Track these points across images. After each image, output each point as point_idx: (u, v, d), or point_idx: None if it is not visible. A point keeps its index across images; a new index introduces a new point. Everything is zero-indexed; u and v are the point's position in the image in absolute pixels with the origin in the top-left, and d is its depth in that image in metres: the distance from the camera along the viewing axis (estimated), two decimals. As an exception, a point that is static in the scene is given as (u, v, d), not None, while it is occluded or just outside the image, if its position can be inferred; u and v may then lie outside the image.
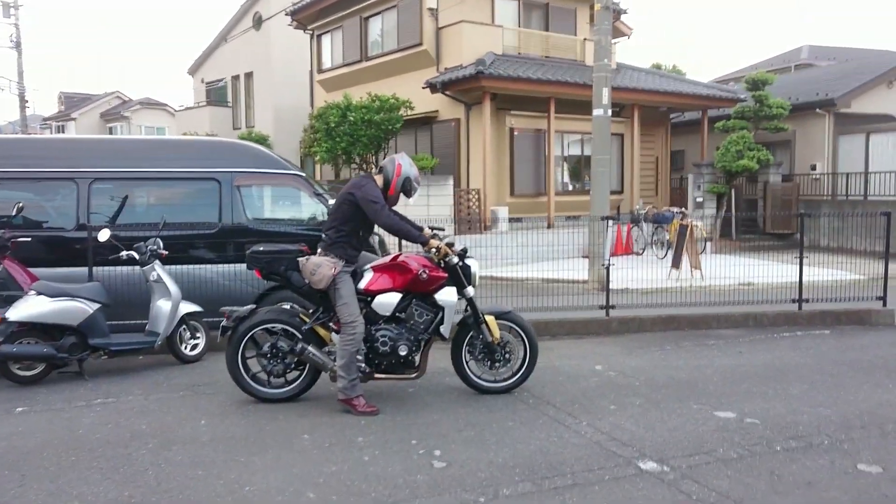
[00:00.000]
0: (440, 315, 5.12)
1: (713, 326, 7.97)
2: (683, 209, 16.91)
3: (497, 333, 5.29)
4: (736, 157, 17.08)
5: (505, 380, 5.42)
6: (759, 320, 8.10)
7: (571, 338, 7.55)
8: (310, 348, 5.10)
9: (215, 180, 7.26)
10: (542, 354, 5.66)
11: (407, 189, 5.11)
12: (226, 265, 7.16)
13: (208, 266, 7.18)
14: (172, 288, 6.38)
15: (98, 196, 7.08)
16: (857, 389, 5.53)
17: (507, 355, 5.37)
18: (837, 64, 24.02)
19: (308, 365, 5.20)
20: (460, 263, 5.16)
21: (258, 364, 5.24)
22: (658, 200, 19.05)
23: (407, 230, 5.02)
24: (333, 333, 5.13)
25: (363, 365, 5.07)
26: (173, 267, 6.82)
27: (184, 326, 6.58)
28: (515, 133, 16.11)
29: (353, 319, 4.90)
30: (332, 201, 7.60)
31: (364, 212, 4.93)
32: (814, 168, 18.86)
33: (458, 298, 5.18)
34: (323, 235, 5.20)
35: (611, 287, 10.40)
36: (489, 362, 5.36)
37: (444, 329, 5.16)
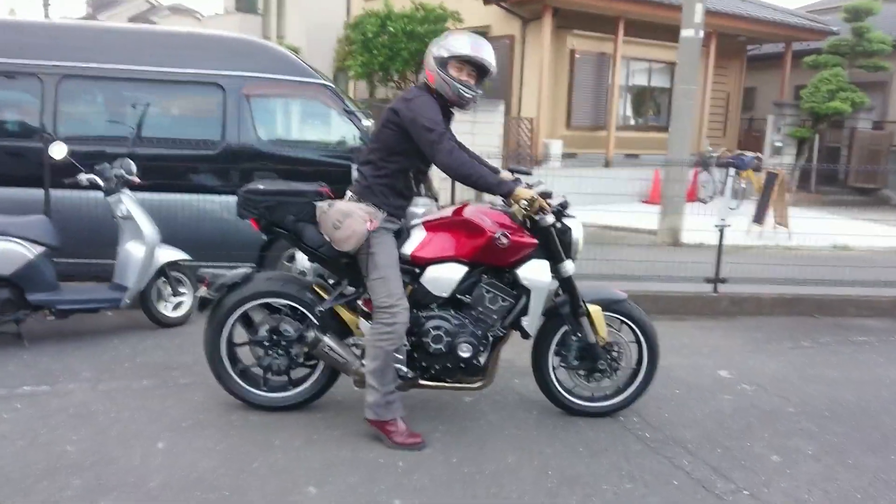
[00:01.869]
0: (523, 301, 3.44)
1: (850, 314, 6.17)
2: (759, 154, 14.91)
3: (604, 331, 3.61)
4: (827, 97, 14.88)
5: (607, 397, 3.78)
6: (910, 309, 6.30)
7: (668, 318, 5.80)
8: (326, 339, 3.45)
9: (218, 86, 5.61)
10: None
11: (463, 92, 3.27)
12: (228, 197, 5.55)
13: (205, 197, 5.57)
14: (146, 227, 4.73)
15: (68, 99, 5.47)
16: None
17: (613, 364, 3.70)
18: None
19: (321, 366, 3.61)
20: (557, 225, 3.45)
21: (252, 355, 3.64)
22: (725, 142, 16.95)
23: (480, 174, 3.24)
24: (362, 319, 3.47)
25: (404, 369, 3.42)
26: (157, 196, 5.22)
27: (163, 279, 4.96)
28: (577, 56, 14.03)
29: (394, 302, 3.24)
30: (366, 122, 5.93)
31: (412, 139, 3.25)
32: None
33: (552, 277, 3.47)
34: (354, 173, 3.55)
35: (685, 241, 8.78)
36: (585, 372, 3.71)
37: (529, 322, 3.47)
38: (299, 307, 3.50)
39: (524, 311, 3.45)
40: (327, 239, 3.30)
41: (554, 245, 3.46)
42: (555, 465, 3.18)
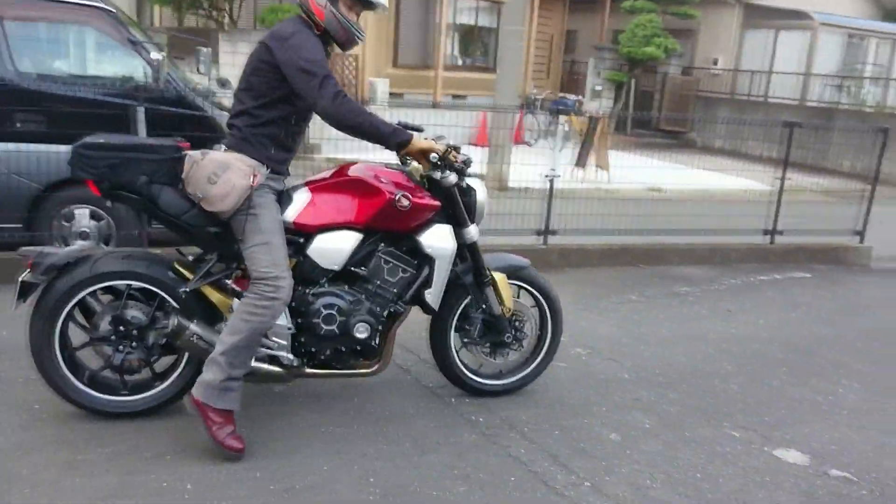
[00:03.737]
0: (425, 271, 3.05)
1: (674, 262, 6.23)
2: (580, 97, 15.19)
3: (510, 301, 3.31)
4: (643, 42, 15.37)
5: (512, 373, 3.47)
6: (727, 256, 6.46)
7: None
8: (192, 326, 2.81)
9: (-42, 4, 4.47)
10: None
11: (356, 34, 2.86)
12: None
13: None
14: None
15: None
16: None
17: (519, 335, 3.39)
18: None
19: (187, 354, 2.94)
20: (462, 184, 3.08)
21: (98, 354, 2.93)
22: (549, 84, 17.13)
23: (372, 122, 2.75)
24: (236, 300, 2.86)
25: (289, 356, 2.91)
26: None
27: None
28: (401, -10, 13.35)
29: (279, 273, 2.70)
30: (156, 55, 5.02)
31: (290, 84, 2.72)
32: (715, 62, 17.58)
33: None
34: (226, 124, 2.94)
35: (510, 186, 8.64)
36: (490, 346, 3.38)
37: (433, 295, 3.07)
38: (156, 289, 2.85)
39: (428, 283, 3.05)
40: (197, 198, 2.68)
41: (458, 208, 3.07)
42: (378, 472, 2.73)
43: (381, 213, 2.91)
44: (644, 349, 4.23)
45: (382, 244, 3.01)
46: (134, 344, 2.88)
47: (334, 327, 2.91)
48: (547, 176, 5.85)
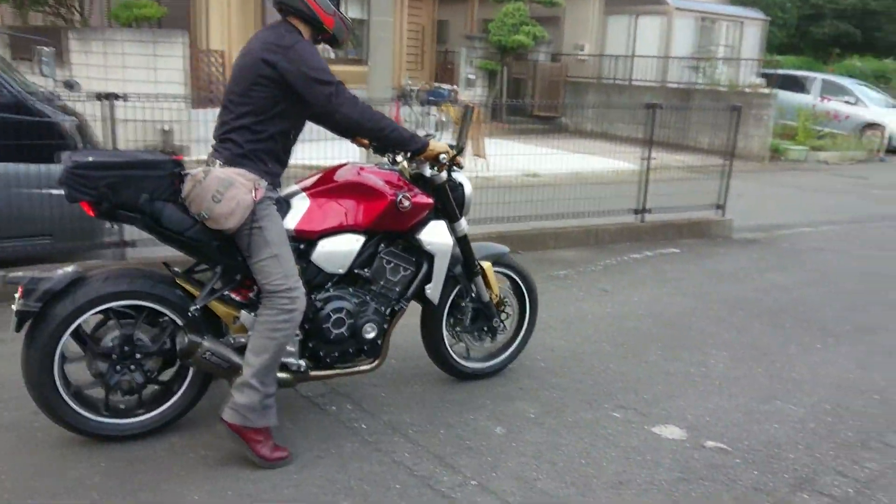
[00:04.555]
0: (424, 268, 3.17)
1: (550, 245, 6.33)
2: (455, 86, 15.27)
3: (496, 288, 3.53)
4: (511, 30, 15.61)
5: (493, 355, 3.68)
6: (600, 237, 6.64)
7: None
8: (205, 343, 2.74)
9: None
10: None
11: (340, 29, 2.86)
12: None
13: None
14: None
15: None
16: (784, 351, 4.22)
17: (505, 319, 3.62)
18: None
19: (191, 371, 2.87)
20: (452, 181, 3.22)
21: (90, 372, 2.81)
22: (423, 75, 17.12)
23: (393, 126, 2.85)
24: (243, 311, 2.85)
25: (298, 362, 2.93)
26: None
27: None
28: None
29: (292, 284, 2.71)
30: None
31: (301, 96, 2.70)
32: (581, 49, 18.12)
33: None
34: (215, 139, 2.80)
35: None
36: (477, 332, 3.56)
37: (433, 290, 3.21)
38: (161, 308, 2.77)
39: (429, 278, 3.18)
40: (202, 217, 2.62)
41: (450, 203, 3.19)
42: (255, 495, 2.56)
43: (384, 214, 2.98)
44: (526, 336, 4.24)
45: (382, 245, 3.08)
46: (132, 366, 2.79)
47: (343, 330, 2.96)
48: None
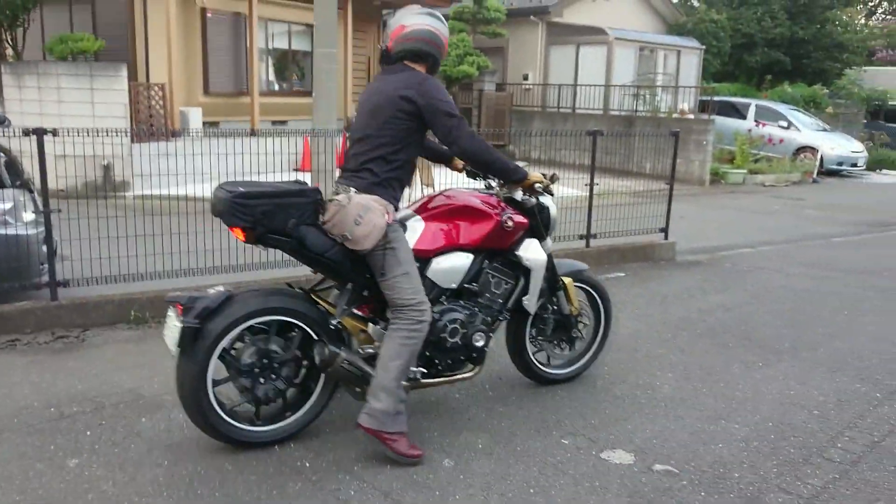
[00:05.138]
0: (521, 282, 3.53)
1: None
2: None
3: (576, 302, 3.88)
4: (456, 61, 15.82)
5: (572, 362, 4.03)
6: (547, 263, 6.67)
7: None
8: (343, 353, 3.05)
9: None
10: None
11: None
12: None
13: None
14: None
15: None
16: (728, 370, 4.29)
17: (584, 329, 4.00)
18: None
19: (323, 379, 3.18)
20: (540, 204, 3.55)
21: (236, 387, 3.09)
22: (371, 106, 17.18)
23: (501, 158, 3.22)
24: (371, 324, 3.21)
25: (414, 369, 3.19)
26: None
27: None
28: (209, 15, 12.82)
29: (421, 298, 3.04)
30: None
31: (429, 126, 3.06)
32: (526, 78, 18.45)
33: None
34: (348, 169, 3.13)
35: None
36: (556, 341, 3.93)
37: (530, 301, 3.57)
38: (299, 322, 3.05)
39: (526, 291, 3.53)
40: (344, 238, 2.93)
41: (538, 224, 3.53)
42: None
43: (490, 234, 3.35)
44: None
45: (486, 261, 3.41)
46: (273, 376, 3.05)
47: (458, 339, 3.27)
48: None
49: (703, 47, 20.29)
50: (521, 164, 3.40)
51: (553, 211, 3.61)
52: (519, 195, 3.46)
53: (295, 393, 3.20)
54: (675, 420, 3.59)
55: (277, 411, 3.16)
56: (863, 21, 34.16)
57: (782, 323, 5.27)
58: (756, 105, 18.18)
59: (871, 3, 39.64)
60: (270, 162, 10.16)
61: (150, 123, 11.42)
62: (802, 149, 16.77)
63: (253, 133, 12.84)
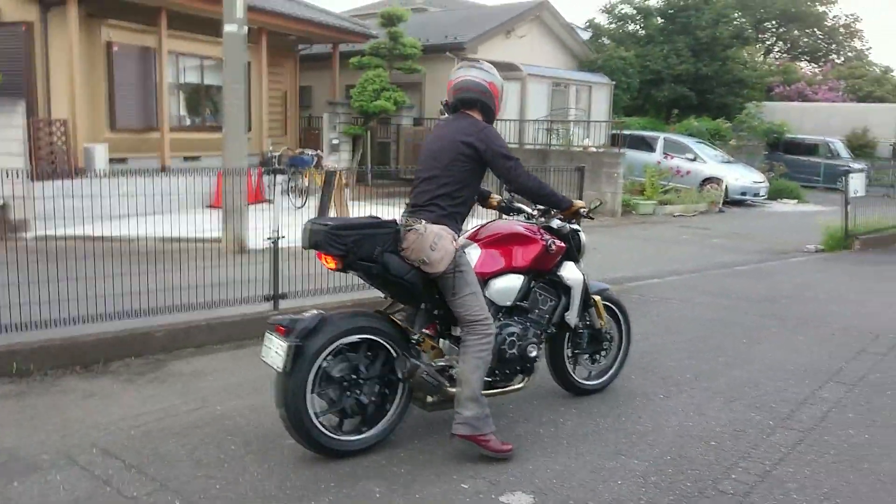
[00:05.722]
0: (563, 299, 4.06)
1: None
2: (319, 152, 15.23)
3: (604, 318, 4.34)
4: (373, 96, 15.85)
5: (602, 373, 4.51)
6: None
7: (228, 347, 5.21)
8: (423, 365, 3.49)
9: None
10: (186, 390, 4.36)
11: None
12: None
13: None
14: None
15: None
16: (630, 403, 4.32)
17: (610, 343, 4.49)
18: (455, 10, 24.35)
19: (402, 391, 3.59)
20: (573, 230, 4.09)
21: (323, 399, 3.42)
22: (287, 140, 17.01)
23: (552, 191, 3.81)
24: (442, 339, 3.71)
25: None
26: None
27: None
28: (115, 49, 12.48)
29: (487, 314, 3.53)
30: None
31: (489, 168, 3.58)
32: (443, 113, 18.60)
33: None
34: (416, 204, 3.56)
35: (251, 247, 8.36)
36: (590, 354, 4.42)
37: (571, 316, 4.08)
38: (383, 340, 3.46)
39: (567, 307, 4.04)
40: (422, 261, 3.38)
41: (573, 247, 4.08)
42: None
43: (538, 257, 3.86)
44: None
45: (534, 281, 3.91)
46: (358, 391, 3.43)
47: (515, 350, 3.74)
48: (269, 238, 5.62)
49: (614, 83, 21.05)
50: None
51: (583, 236, 4.16)
52: (556, 223, 3.96)
53: (373, 407, 3.51)
54: (576, 458, 3.59)
55: (356, 425, 3.50)
56: (761, 59, 36.24)
57: (685, 353, 5.40)
58: (664, 138, 18.91)
59: (767, 42, 42.11)
60: (183, 198, 9.94)
61: (52, 161, 10.96)
62: (708, 180, 17.48)
63: (163, 169, 12.51)
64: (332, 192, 11.06)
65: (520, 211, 4.12)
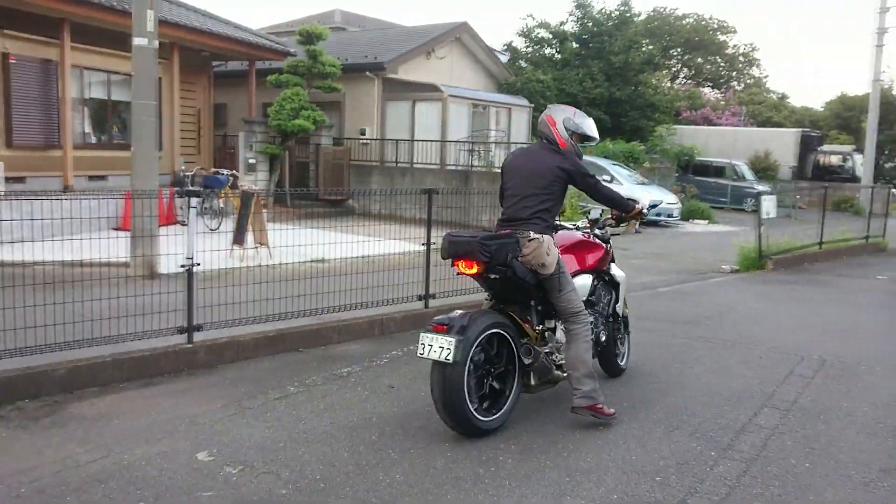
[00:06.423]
0: (613, 293, 5.03)
1: (333, 340, 5.98)
2: (235, 172, 14.69)
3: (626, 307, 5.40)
4: (291, 115, 15.44)
5: (623, 357, 5.38)
6: (386, 326, 6.41)
7: (136, 385, 4.76)
8: (543, 352, 4.30)
9: None
10: (88, 437, 3.93)
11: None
12: None
13: None
14: None
15: None
16: (571, 437, 4.16)
17: (627, 330, 5.46)
18: (375, 30, 24.18)
19: (517, 377, 4.21)
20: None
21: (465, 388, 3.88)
22: (201, 159, 16.36)
23: (622, 197, 4.71)
24: (549, 332, 4.44)
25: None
26: None
27: None
28: (12, 61, 11.67)
29: (583, 307, 4.36)
30: None
31: (575, 186, 4.33)
32: (363, 132, 18.39)
33: None
34: (519, 218, 4.24)
35: (162, 272, 7.87)
36: (621, 337, 5.32)
37: (620, 306, 5.14)
38: (508, 333, 4.12)
39: (617, 299, 5.06)
40: (541, 265, 4.10)
41: (611, 249, 5.10)
42: None
43: (601, 259, 4.83)
44: (304, 451, 3.82)
45: (595, 279, 4.77)
46: (491, 377, 4.09)
47: (592, 335, 4.38)
48: (183, 266, 5.21)
49: (532, 105, 21.31)
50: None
51: (611, 241, 5.12)
52: (598, 231, 4.98)
53: (499, 392, 4.13)
54: (520, 501, 3.38)
55: (487, 408, 4.06)
56: (668, 84, 37.67)
57: (618, 381, 5.28)
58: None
59: (674, 69, 43.88)
60: (87, 223, 9.31)
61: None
62: (625, 201, 17.82)
63: (66, 189, 11.73)
64: (249, 213, 10.60)
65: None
